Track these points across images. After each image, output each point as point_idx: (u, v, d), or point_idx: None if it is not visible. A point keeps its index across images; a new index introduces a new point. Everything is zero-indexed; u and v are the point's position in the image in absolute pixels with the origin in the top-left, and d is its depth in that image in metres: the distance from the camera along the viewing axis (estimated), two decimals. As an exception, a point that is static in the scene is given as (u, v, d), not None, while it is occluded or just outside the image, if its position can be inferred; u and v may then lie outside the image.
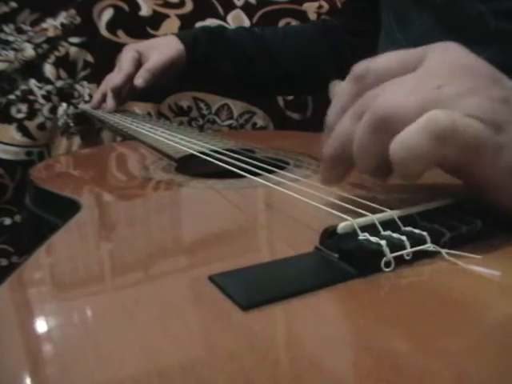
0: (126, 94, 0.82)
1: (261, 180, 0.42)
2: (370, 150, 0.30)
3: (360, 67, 0.33)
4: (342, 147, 0.32)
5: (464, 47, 0.31)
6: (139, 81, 0.77)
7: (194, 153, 0.52)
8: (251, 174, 0.43)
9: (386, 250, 0.26)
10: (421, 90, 0.29)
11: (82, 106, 0.91)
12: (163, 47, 0.80)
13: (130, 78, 0.78)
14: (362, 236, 0.28)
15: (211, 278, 0.26)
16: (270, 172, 0.45)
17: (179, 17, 0.98)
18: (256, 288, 0.25)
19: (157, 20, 0.97)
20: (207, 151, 0.53)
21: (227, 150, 0.53)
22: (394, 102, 0.29)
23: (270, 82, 0.86)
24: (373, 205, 0.32)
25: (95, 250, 0.33)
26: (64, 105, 0.91)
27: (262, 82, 0.86)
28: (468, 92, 0.29)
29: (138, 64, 0.79)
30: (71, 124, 0.90)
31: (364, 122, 0.30)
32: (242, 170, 0.44)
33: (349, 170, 0.34)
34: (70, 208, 0.40)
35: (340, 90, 0.34)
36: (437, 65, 0.30)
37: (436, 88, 0.29)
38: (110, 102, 0.80)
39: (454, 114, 0.27)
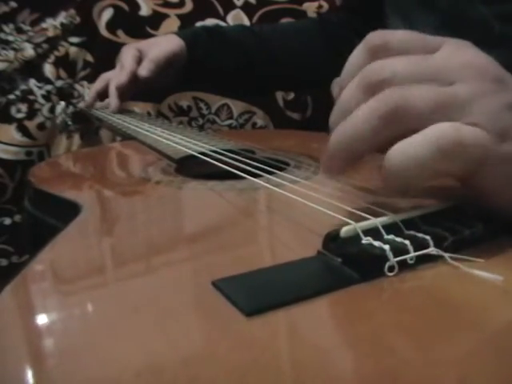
0: (127, 93, 0.82)
1: (261, 182, 0.42)
2: (364, 137, 0.29)
3: (377, 38, 0.31)
4: (345, 115, 0.31)
5: (476, 47, 0.31)
6: (143, 71, 0.76)
7: (194, 153, 0.52)
8: (251, 175, 0.43)
9: (390, 254, 0.26)
10: (435, 89, 0.29)
11: (82, 105, 0.90)
12: (164, 43, 0.79)
13: (134, 75, 0.77)
14: (365, 240, 0.27)
15: (214, 284, 0.26)
16: (271, 173, 0.44)
17: (179, 17, 0.98)
18: (259, 294, 0.25)
19: (157, 20, 0.97)
20: (207, 152, 0.52)
21: (227, 150, 0.53)
22: (409, 97, 0.28)
23: (270, 79, 0.86)
24: (375, 208, 0.32)
25: (97, 254, 0.33)
26: (62, 103, 0.91)
27: (261, 79, 0.86)
28: (478, 96, 0.28)
29: (140, 61, 0.78)
30: (69, 123, 0.90)
31: (374, 107, 0.29)
32: (243, 171, 0.44)
33: (351, 160, 0.33)
34: (68, 210, 0.40)
35: (352, 58, 0.32)
36: (450, 61, 0.30)
37: (448, 87, 0.28)
38: (115, 102, 0.79)
39: (460, 129, 0.27)
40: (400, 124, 0.28)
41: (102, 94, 0.84)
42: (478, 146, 0.27)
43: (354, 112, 0.29)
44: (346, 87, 0.31)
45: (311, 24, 0.88)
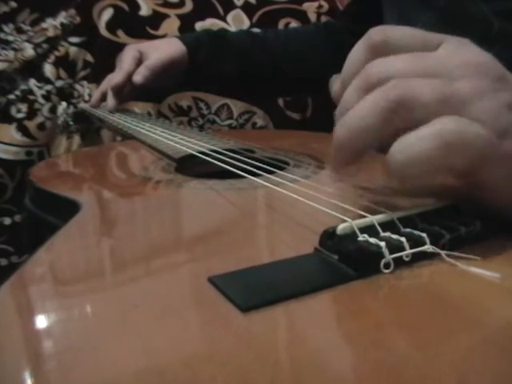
0: (127, 93, 0.82)
1: (261, 181, 0.42)
2: (371, 128, 0.29)
3: (377, 34, 0.31)
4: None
5: (476, 45, 0.31)
6: (137, 77, 0.76)
7: (194, 153, 0.52)
8: (251, 175, 0.43)
9: (386, 251, 0.26)
10: (439, 82, 0.28)
11: (82, 106, 0.91)
12: (165, 47, 0.80)
13: (131, 76, 0.78)
14: (362, 237, 0.28)
15: (210, 280, 0.26)
16: (270, 172, 0.45)
17: (179, 17, 0.98)
18: (255, 290, 0.25)
19: (157, 20, 0.97)
20: (207, 151, 0.53)
21: (227, 149, 0.53)
22: (414, 88, 0.28)
23: (272, 85, 0.86)
24: (372, 206, 0.32)
25: (95, 252, 0.33)
26: (64, 103, 0.91)
27: (263, 85, 0.86)
28: (479, 93, 0.28)
29: (139, 63, 0.78)
30: (70, 123, 0.90)
31: (377, 98, 0.28)
32: (242, 171, 0.44)
33: (357, 153, 0.32)
34: (69, 208, 0.40)
35: (353, 54, 0.32)
36: (450, 59, 0.30)
37: (451, 82, 0.28)
38: (111, 101, 0.80)
39: (464, 124, 0.27)
40: (405, 114, 0.28)
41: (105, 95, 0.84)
42: (481, 140, 0.27)
43: (360, 103, 0.29)
44: (348, 88, 0.31)
45: (314, 29, 0.88)
